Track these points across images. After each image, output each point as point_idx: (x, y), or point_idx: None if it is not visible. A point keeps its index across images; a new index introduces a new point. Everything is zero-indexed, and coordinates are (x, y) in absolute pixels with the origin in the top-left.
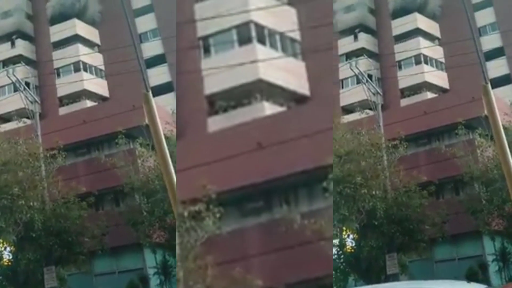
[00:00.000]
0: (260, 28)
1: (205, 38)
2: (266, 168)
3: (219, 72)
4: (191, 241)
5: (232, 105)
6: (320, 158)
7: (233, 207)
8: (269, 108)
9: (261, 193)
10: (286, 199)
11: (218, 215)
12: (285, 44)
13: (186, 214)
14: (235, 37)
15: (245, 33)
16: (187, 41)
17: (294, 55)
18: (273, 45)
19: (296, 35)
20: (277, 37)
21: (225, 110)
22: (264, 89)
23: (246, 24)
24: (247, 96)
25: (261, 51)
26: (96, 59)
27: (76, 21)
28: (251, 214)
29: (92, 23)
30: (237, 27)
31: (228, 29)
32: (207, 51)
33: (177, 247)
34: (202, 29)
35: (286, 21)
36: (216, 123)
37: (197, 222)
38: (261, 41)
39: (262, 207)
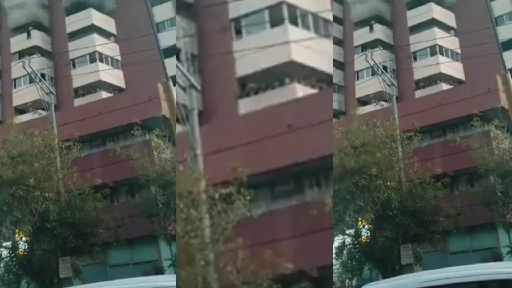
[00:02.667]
0: (292, 8)
1: (237, 20)
2: (297, 151)
3: (250, 54)
4: (222, 224)
5: (263, 87)
6: None
7: (264, 189)
8: (300, 90)
9: (292, 175)
10: (317, 182)
11: (248, 198)
12: (318, 25)
13: (217, 196)
14: (267, 18)
15: (278, 14)
16: (218, 23)
17: (327, 36)
18: (305, 26)
19: (329, 16)
20: (310, 18)
21: (256, 92)
22: (296, 71)
23: (279, 4)
24: (278, 78)
25: (293, 32)
26: (112, 49)
27: (92, 11)
28: (282, 196)
29: (108, 12)
30: (269, 8)
31: (260, 10)
32: (238, 32)
33: (206, 230)
34: (234, 11)
35: (318, 1)
36: (247, 105)
37: (228, 204)
38: (294, 22)
39: (293, 190)
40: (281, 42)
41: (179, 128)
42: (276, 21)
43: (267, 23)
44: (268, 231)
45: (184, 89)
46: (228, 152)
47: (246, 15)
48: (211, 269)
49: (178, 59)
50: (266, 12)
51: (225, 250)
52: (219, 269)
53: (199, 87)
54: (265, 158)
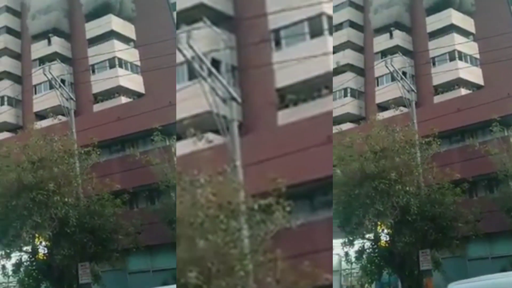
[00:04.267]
0: (331, 20)
1: (277, 31)
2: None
3: (290, 65)
4: (261, 234)
5: (302, 98)
6: None
7: (303, 200)
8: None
9: (331, 186)
10: None
11: (288, 209)
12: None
13: (256, 207)
14: (306, 29)
15: (317, 25)
16: (258, 35)
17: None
18: None
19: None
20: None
21: (295, 103)
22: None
23: (318, 16)
24: (317, 89)
25: (332, 43)
26: (131, 54)
27: (111, 16)
28: (321, 207)
29: (128, 18)
30: (309, 19)
31: (300, 22)
32: (278, 44)
33: (245, 240)
34: (274, 22)
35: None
36: (286, 116)
37: (267, 215)
38: (332, 33)
39: (331, 201)
40: (320, 53)
41: (218, 139)
42: (315, 32)
43: (306, 34)
44: (307, 242)
45: (224, 100)
46: (267, 163)
47: (286, 27)
48: (251, 279)
49: (218, 71)
50: (306, 24)
51: (264, 260)
52: (258, 280)
53: (239, 99)
54: (304, 169)
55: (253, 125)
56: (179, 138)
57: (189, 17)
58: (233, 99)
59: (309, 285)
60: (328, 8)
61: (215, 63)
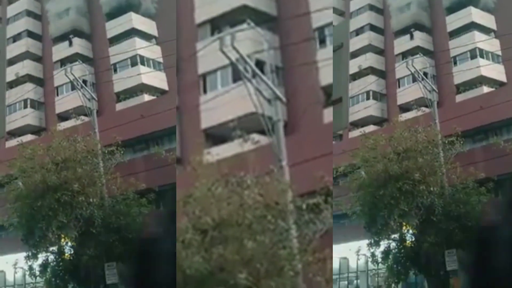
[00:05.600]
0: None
1: (321, 29)
2: None
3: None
4: (310, 234)
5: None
6: None
7: None
8: None
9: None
10: None
11: None
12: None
13: (304, 207)
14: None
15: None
16: (301, 34)
17: None
18: None
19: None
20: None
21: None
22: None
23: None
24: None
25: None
26: (154, 51)
27: (132, 14)
28: None
29: (148, 15)
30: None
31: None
32: (322, 41)
33: (294, 240)
34: (317, 20)
35: None
36: (331, 114)
37: (315, 214)
38: None
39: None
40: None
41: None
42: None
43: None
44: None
45: (269, 101)
46: (314, 161)
47: (330, 24)
48: (300, 279)
49: (262, 71)
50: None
51: (313, 260)
52: (308, 280)
53: (284, 99)
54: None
55: (299, 124)
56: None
57: (233, 18)
58: (278, 99)
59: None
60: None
61: (259, 64)
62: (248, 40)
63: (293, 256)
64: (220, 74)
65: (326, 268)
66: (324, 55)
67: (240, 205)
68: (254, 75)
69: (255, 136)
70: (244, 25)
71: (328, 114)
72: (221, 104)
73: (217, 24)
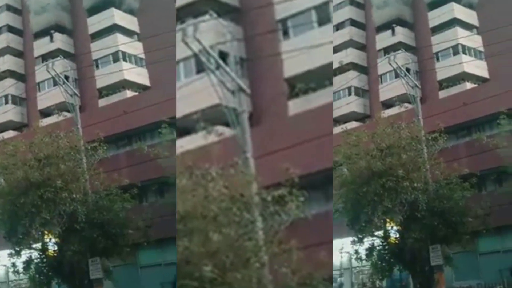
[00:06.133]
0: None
1: (284, 21)
2: None
3: (299, 54)
4: (275, 226)
5: (312, 87)
6: None
7: (316, 190)
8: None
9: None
10: None
11: (301, 199)
12: None
13: (269, 198)
14: (314, 17)
15: (325, 13)
16: (265, 25)
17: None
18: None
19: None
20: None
21: (305, 92)
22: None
23: (326, 4)
24: (328, 77)
25: (334, 39)
26: (136, 48)
27: (114, 10)
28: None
29: (130, 11)
30: (316, 7)
31: (307, 10)
32: (286, 33)
33: (260, 232)
34: (281, 12)
35: None
36: (296, 106)
37: (280, 206)
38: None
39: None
40: (329, 41)
41: (228, 131)
42: (323, 20)
43: (314, 22)
44: (323, 232)
45: (233, 92)
46: (279, 153)
47: (293, 16)
48: (266, 271)
49: (225, 63)
50: (313, 12)
51: (279, 251)
52: (274, 271)
53: (248, 91)
54: (317, 158)
55: (263, 116)
56: (188, 132)
57: (195, 9)
58: (242, 90)
59: (325, 275)
60: None
61: (223, 55)
62: (211, 31)
63: (259, 248)
64: (183, 66)
65: (292, 260)
66: (288, 46)
67: (205, 197)
68: (218, 66)
69: (219, 128)
70: (207, 16)
71: (293, 106)
72: (184, 96)
73: (179, 15)
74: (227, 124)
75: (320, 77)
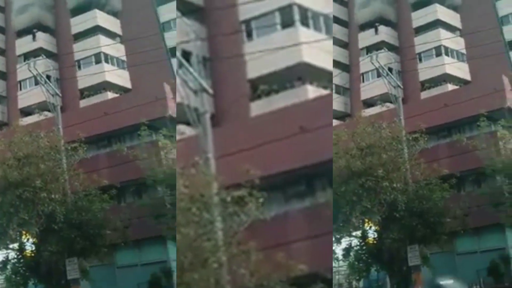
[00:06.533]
0: (303, 10)
1: (248, 22)
2: (309, 152)
3: (261, 56)
4: (234, 226)
5: (274, 89)
6: None
7: (276, 191)
8: (312, 92)
9: (304, 177)
10: (330, 183)
11: (261, 200)
12: (329, 26)
13: (229, 199)
14: (278, 20)
15: (288, 16)
16: (228, 26)
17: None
18: (316, 28)
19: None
20: (321, 19)
21: (267, 94)
22: (307, 72)
23: (289, 6)
24: (290, 80)
25: (304, 33)
26: (117, 50)
27: (97, 12)
28: (294, 198)
29: (113, 13)
30: (280, 9)
31: (271, 12)
32: (249, 35)
33: (219, 233)
34: (244, 13)
35: (330, 3)
36: (258, 107)
37: (240, 207)
38: (305, 23)
39: (305, 192)
40: (291, 44)
41: (189, 131)
42: (287, 23)
43: (278, 24)
44: (281, 233)
45: (195, 92)
46: (240, 154)
47: (257, 17)
48: (224, 271)
49: (188, 62)
50: (277, 14)
51: (238, 252)
52: (232, 272)
53: (210, 91)
54: (277, 160)
55: (225, 117)
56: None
57: None
58: (205, 90)
59: (283, 276)
60: None
61: (186, 54)
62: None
63: (218, 248)
64: None
65: (251, 260)
66: (251, 48)
67: None
68: (180, 65)
69: (181, 127)
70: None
71: (256, 107)
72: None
73: None
74: (188, 124)
75: (284, 79)
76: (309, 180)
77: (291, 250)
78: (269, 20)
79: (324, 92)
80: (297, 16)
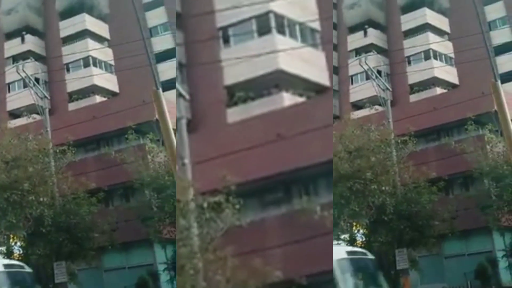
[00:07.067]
0: (280, 18)
1: (225, 29)
2: (285, 159)
3: (238, 63)
4: (211, 232)
5: (251, 96)
6: None
7: (252, 198)
8: (288, 99)
9: (281, 184)
10: (306, 190)
11: (237, 206)
12: (305, 34)
13: (205, 205)
14: (254, 27)
15: (265, 23)
16: (206, 32)
17: (314, 45)
18: (293, 35)
19: (317, 25)
20: (297, 27)
21: (244, 101)
22: (283, 80)
23: (266, 14)
24: (266, 87)
25: (280, 41)
26: (105, 54)
27: (85, 15)
28: (271, 205)
29: (101, 17)
30: (256, 17)
31: (248, 19)
32: (226, 41)
33: (195, 239)
34: (221, 20)
35: (306, 11)
36: (235, 114)
37: (216, 213)
38: (281, 31)
39: (281, 198)
40: (268, 51)
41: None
42: (263, 30)
43: (254, 32)
44: (258, 240)
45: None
46: (217, 160)
47: (234, 24)
48: (200, 277)
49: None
50: (254, 21)
51: (214, 258)
52: (208, 278)
53: (187, 96)
54: (254, 167)
55: (202, 123)
56: None
57: None
58: (181, 96)
59: (259, 283)
60: (276, 6)
61: None
62: None
63: (194, 254)
64: None
65: (227, 267)
66: (228, 54)
67: None
68: None
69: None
70: None
71: (232, 114)
72: None
73: None
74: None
75: (260, 86)
76: (285, 187)
77: (267, 257)
78: (246, 27)
79: (300, 99)
80: (273, 24)
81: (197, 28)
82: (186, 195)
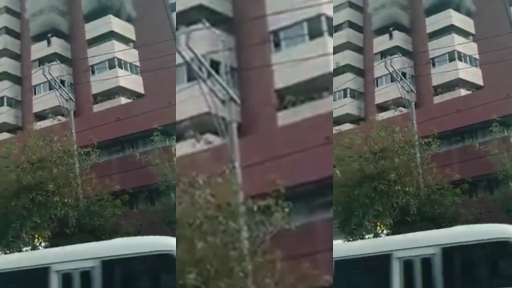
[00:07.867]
0: (331, 21)
1: (276, 32)
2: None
3: (289, 66)
4: (260, 236)
5: (301, 99)
6: None
7: (302, 201)
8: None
9: (330, 187)
10: None
11: (287, 210)
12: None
13: (255, 208)
14: (306, 30)
15: (316, 26)
16: (257, 36)
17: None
18: None
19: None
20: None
21: (294, 104)
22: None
23: (317, 17)
24: (317, 90)
25: (332, 44)
26: (131, 55)
27: (111, 17)
28: (320, 208)
29: (127, 19)
30: (308, 20)
31: (299, 23)
32: (277, 45)
33: (244, 242)
34: (273, 23)
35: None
36: (285, 117)
37: (266, 216)
38: (332, 34)
39: (331, 202)
40: (319, 54)
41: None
42: (315, 33)
43: (306, 35)
44: (306, 244)
45: (223, 102)
46: (267, 164)
47: (285, 28)
48: (249, 281)
49: (217, 72)
50: (305, 25)
51: (263, 262)
52: (257, 281)
53: (238, 100)
54: (304, 170)
55: (252, 126)
56: (178, 139)
57: (188, 18)
58: (232, 100)
59: (308, 287)
60: (327, 9)
61: (214, 64)
62: (204, 40)
63: (244, 257)
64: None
65: (276, 270)
66: (279, 58)
67: (191, 205)
68: (209, 75)
69: (208, 136)
70: (200, 25)
71: (282, 117)
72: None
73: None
74: (215, 133)
75: (310, 89)
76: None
77: (316, 261)
78: (297, 30)
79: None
80: (325, 27)
81: (249, 32)
82: (236, 199)
